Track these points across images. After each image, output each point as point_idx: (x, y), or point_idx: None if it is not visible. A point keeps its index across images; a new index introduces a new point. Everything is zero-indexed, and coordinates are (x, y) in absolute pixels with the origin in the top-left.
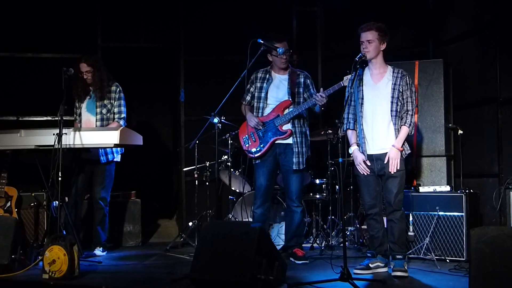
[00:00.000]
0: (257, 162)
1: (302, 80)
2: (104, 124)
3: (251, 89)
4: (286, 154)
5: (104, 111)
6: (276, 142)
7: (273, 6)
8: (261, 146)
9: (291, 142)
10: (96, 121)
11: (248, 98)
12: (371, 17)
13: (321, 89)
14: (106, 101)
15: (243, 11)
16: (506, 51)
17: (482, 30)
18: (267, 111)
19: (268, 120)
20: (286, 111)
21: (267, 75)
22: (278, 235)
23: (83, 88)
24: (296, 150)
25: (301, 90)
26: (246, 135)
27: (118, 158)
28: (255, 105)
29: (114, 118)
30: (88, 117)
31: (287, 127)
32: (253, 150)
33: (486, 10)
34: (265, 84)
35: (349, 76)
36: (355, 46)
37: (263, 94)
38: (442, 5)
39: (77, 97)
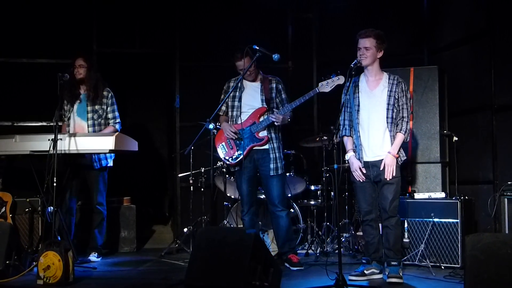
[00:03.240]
0: (236, 169)
1: (274, 85)
2: (96, 129)
3: (226, 99)
4: (264, 160)
5: (95, 116)
6: (254, 148)
7: (269, 12)
8: (239, 153)
9: (268, 147)
10: (88, 127)
11: (224, 108)
12: (366, 24)
13: (275, 111)
14: (97, 106)
15: (239, 17)
16: (501, 58)
17: (477, 37)
18: (243, 118)
19: (244, 128)
20: (262, 118)
21: (239, 84)
22: (273, 241)
23: (73, 91)
24: (273, 156)
25: (273, 95)
26: (223, 143)
27: (110, 163)
28: (230, 114)
29: (106, 123)
30: (79, 121)
31: (264, 133)
32: (230, 157)
33: (481, 18)
34: (237, 92)
35: (324, 83)
36: (350, 53)
37: (236, 103)
38: (436, 12)
39: (67, 100)
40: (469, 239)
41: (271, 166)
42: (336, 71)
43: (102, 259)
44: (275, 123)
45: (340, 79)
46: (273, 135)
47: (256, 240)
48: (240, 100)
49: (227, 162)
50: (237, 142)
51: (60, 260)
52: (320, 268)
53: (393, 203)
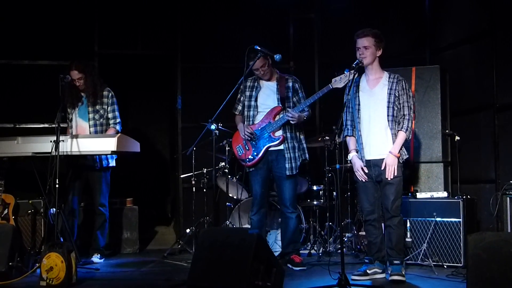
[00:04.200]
0: (251, 170)
1: (290, 84)
2: (98, 130)
3: (242, 99)
4: (278, 161)
5: (97, 116)
6: (269, 149)
7: (270, 13)
8: (255, 154)
9: (283, 148)
10: (89, 127)
11: (240, 107)
12: (368, 24)
13: (289, 109)
14: (98, 107)
15: (240, 18)
16: (502, 57)
17: (479, 37)
18: (258, 118)
19: (259, 128)
20: (277, 117)
21: (255, 83)
22: (276, 241)
23: (75, 94)
24: (288, 156)
25: (290, 95)
26: (240, 144)
27: (113, 163)
28: (246, 113)
29: (107, 124)
30: (80, 123)
31: (279, 133)
32: (247, 158)
33: (483, 18)
34: (254, 92)
35: (337, 78)
36: (352, 53)
37: (252, 103)
38: (438, 12)
39: (69, 103)
40: (472, 238)
41: (286, 166)
42: (350, 66)
43: (105, 260)
44: (291, 121)
45: (352, 74)
46: (288, 134)
47: (258, 241)
48: (256, 100)
49: (244, 164)
50: (253, 143)
51: (63, 261)
52: (323, 268)
53: (395, 202)
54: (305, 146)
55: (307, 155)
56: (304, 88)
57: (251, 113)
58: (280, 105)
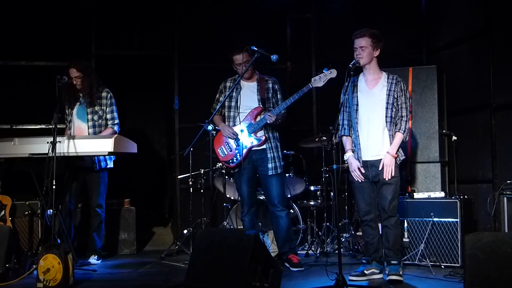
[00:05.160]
0: (235, 171)
1: (270, 85)
2: (97, 131)
3: (221, 99)
4: (262, 160)
5: (95, 117)
6: (252, 149)
7: (267, 13)
8: (238, 155)
9: (265, 147)
10: (88, 128)
11: (218, 107)
12: (364, 24)
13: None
14: (97, 108)
15: (237, 19)
16: (499, 57)
17: (475, 36)
18: (239, 119)
19: (241, 129)
20: (258, 118)
21: (236, 84)
22: (273, 242)
23: (73, 94)
24: (271, 155)
25: (270, 95)
26: (222, 146)
27: (111, 164)
28: (226, 114)
29: (106, 124)
30: (79, 124)
31: (261, 133)
32: (230, 160)
33: (479, 17)
34: (234, 93)
35: (317, 77)
36: (349, 53)
37: (233, 103)
38: (435, 12)
39: (67, 103)
40: (469, 238)
41: (270, 165)
42: (329, 65)
43: (102, 262)
44: (268, 121)
45: (333, 73)
46: (270, 134)
47: (256, 241)
48: (237, 101)
49: (227, 165)
50: (236, 144)
51: (60, 263)
52: (320, 268)
53: (392, 202)
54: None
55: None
56: (301, 88)
57: (232, 113)
58: (261, 105)
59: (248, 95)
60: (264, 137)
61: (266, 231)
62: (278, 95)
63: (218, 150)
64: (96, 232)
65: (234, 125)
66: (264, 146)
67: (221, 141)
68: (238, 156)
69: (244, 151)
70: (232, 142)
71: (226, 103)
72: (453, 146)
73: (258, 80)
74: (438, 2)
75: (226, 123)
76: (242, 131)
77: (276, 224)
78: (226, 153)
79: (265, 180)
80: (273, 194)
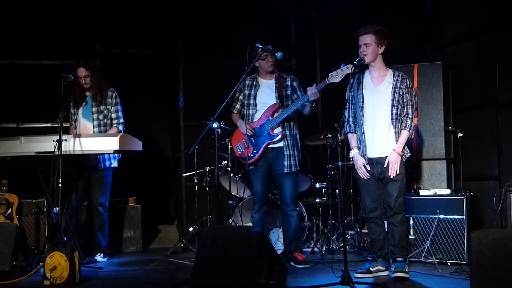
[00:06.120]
0: (251, 168)
1: (289, 83)
2: (102, 130)
3: (240, 97)
4: (278, 158)
5: (101, 117)
6: (269, 146)
7: (272, 11)
8: (255, 152)
9: (282, 145)
10: (93, 127)
11: (238, 106)
12: (369, 22)
13: (314, 84)
14: (102, 107)
15: (241, 17)
16: (505, 54)
17: (481, 33)
18: (257, 116)
19: (259, 125)
20: (276, 114)
21: (254, 82)
22: (279, 239)
23: (79, 93)
24: (287, 153)
25: (288, 93)
26: (239, 143)
27: (115, 163)
28: (245, 112)
29: (111, 124)
30: (84, 123)
31: (278, 130)
32: (247, 156)
33: (484, 14)
34: (252, 90)
35: (333, 73)
36: (354, 51)
37: (251, 101)
38: (440, 8)
39: (74, 103)
40: (475, 235)
41: (285, 163)
42: (345, 60)
43: (108, 259)
44: (311, 98)
45: (349, 68)
46: (287, 132)
47: (261, 239)
48: (255, 98)
49: (244, 162)
50: (253, 140)
51: (66, 260)
52: (326, 266)
53: (398, 200)
54: (300, 146)
55: (300, 155)
56: (304, 86)
57: (250, 111)
58: (279, 102)
59: (266, 93)
60: (281, 134)
61: (271, 229)
62: (298, 92)
63: (236, 146)
64: (100, 232)
65: (252, 122)
66: (280, 144)
67: (239, 138)
68: (255, 153)
69: (261, 148)
70: (249, 139)
71: (245, 101)
72: (459, 143)
73: (277, 78)
74: None
75: (245, 120)
76: (259, 128)
77: (286, 222)
78: (243, 149)
79: (280, 179)
80: (286, 193)
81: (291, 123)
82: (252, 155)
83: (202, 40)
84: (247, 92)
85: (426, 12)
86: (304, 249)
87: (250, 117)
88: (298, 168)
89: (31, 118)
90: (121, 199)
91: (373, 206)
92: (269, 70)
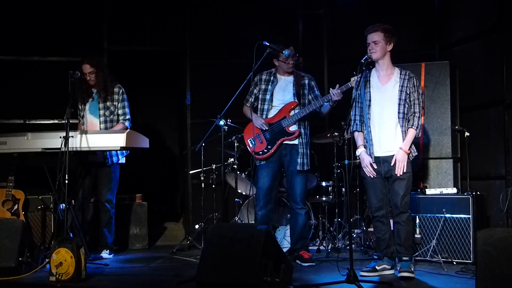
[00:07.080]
0: (261, 163)
1: (306, 82)
2: (108, 126)
3: (255, 91)
4: (291, 155)
5: (107, 113)
6: (284, 142)
7: (279, 9)
8: (269, 147)
9: (297, 143)
10: (100, 123)
11: (252, 99)
12: (376, 20)
13: (337, 85)
14: (109, 103)
15: (249, 14)
16: None
17: (488, 32)
18: (272, 113)
19: (274, 122)
20: (292, 112)
21: (272, 77)
22: (285, 237)
23: (85, 90)
24: (301, 151)
25: (306, 91)
26: (252, 137)
27: (122, 160)
28: (259, 107)
29: (118, 120)
30: (91, 119)
31: (294, 128)
32: (261, 151)
33: (492, 13)
34: (270, 86)
35: (356, 78)
36: (361, 49)
37: (268, 96)
38: (448, 7)
39: (80, 99)
40: (481, 235)
41: (299, 161)
42: (359, 61)
43: (114, 256)
44: (333, 98)
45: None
46: (302, 130)
47: (267, 236)
48: (272, 94)
49: (256, 156)
50: (267, 136)
51: (72, 257)
52: (331, 264)
53: (404, 198)
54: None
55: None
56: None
57: (265, 106)
58: (296, 100)
59: (284, 89)
60: (297, 131)
61: (277, 227)
62: (316, 91)
63: (248, 140)
64: (106, 228)
65: (266, 117)
66: (295, 142)
67: (251, 132)
68: (269, 148)
69: (276, 144)
70: (263, 134)
71: (260, 96)
72: (465, 142)
73: (295, 75)
74: None
75: (258, 114)
76: (275, 124)
77: (294, 220)
78: (256, 144)
79: (291, 176)
80: (297, 191)
81: (306, 122)
82: (266, 150)
83: (209, 37)
84: (263, 86)
85: (434, 11)
86: (310, 247)
87: (264, 112)
88: (309, 167)
89: (38, 115)
90: (127, 196)
91: (379, 204)
92: (288, 71)
